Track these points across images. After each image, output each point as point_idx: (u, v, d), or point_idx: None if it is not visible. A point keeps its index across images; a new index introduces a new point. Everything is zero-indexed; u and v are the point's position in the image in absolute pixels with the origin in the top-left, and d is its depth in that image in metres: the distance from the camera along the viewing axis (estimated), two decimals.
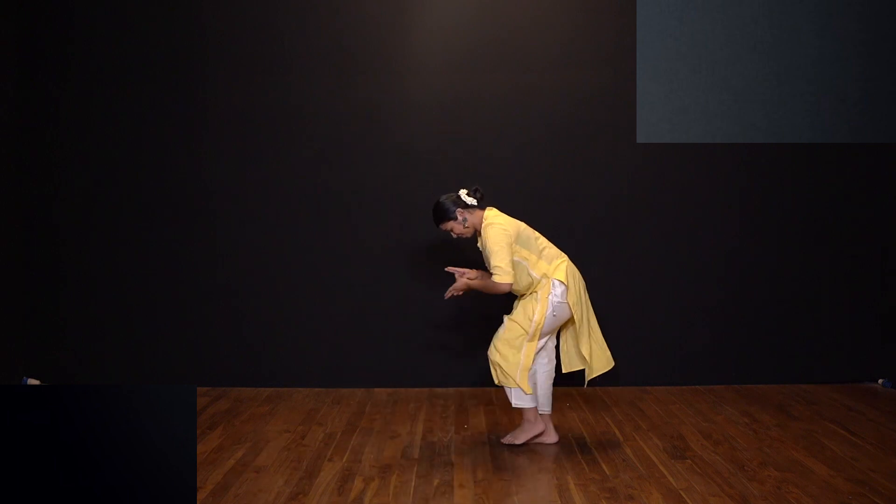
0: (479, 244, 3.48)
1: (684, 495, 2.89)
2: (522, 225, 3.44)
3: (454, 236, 3.50)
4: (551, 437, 3.53)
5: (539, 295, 3.36)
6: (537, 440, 3.52)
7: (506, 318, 3.46)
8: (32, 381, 4.53)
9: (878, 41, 4.51)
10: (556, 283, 3.38)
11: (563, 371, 3.59)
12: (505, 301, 3.56)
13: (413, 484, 3.04)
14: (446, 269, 3.48)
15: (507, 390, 3.45)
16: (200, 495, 2.90)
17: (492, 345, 3.44)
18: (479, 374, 4.61)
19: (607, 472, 3.14)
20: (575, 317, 3.39)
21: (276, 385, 4.59)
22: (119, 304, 4.60)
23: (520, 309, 3.43)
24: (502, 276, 3.29)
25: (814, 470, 3.16)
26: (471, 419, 3.94)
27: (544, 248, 3.45)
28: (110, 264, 4.59)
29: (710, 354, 4.64)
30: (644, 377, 4.61)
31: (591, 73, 4.55)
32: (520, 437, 3.49)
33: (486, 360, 4.60)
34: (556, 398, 4.33)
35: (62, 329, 4.61)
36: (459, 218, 3.42)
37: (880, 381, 4.61)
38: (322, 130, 4.58)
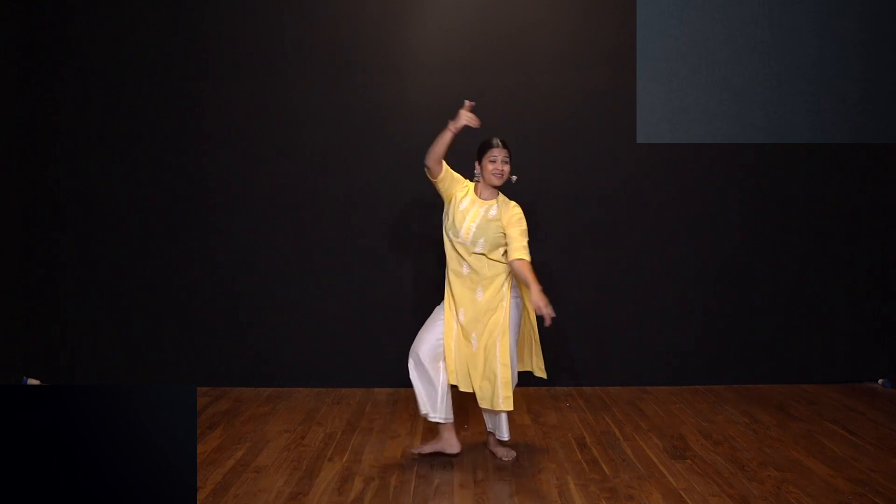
0: (485, 206, 3.29)
1: (684, 495, 2.89)
2: None
3: (503, 170, 3.28)
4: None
5: (506, 288, 3.31)
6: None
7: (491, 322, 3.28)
8: (32, 381, 4.53)
9: (878, 41, 4.51)
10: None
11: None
12: None
13: (413, 484, 3.04)
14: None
15: (504, 419, 3.31)
16: (200, 495, 2.90)
17: (503, 364, 3.21)
18: None
19: (607, 472, 3.15)
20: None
21: (276, 385, 4.60)
22: (119, 304, 4.60)
23: (498, 306, 3.28)
24: (527, 254, 3.22)
25: (814, 470, 3.16)
26: (471, 419, 3.94)
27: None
28: (110, 264, 4.59)
29: (710, 354, 4.64)
30: (644, 377, 4.61)
31: (591, 73, 4.56)
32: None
33: None
34: (555, 398, 4.36)
35: (62, 329, 4.61)
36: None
37: (880, 381, 4.61)
38: (322, 131, 4.58)
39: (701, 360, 4.63)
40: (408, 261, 4.62)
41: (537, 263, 4.60)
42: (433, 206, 4.59)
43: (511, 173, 3.32)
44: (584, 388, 4.59)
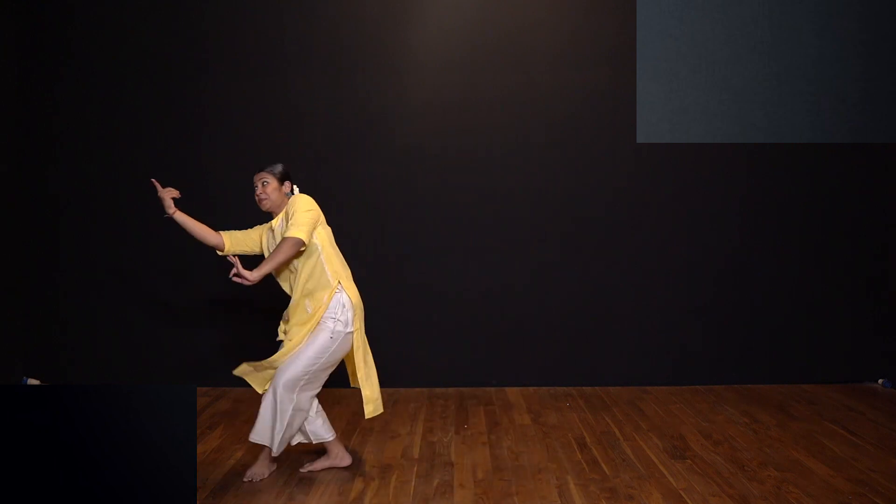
0: (272, 226, 3.15)
1: (684, 495, 2.89)
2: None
3: (261, 194, 3.11)
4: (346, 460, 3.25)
5: (320, 312, 3.03)
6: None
7: (287, 343, 3.09)
8: (32, 381, 4.53)
9: (878, 41, 4.51)
10: (346, 301, 3.05)
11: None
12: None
13: (413, 484, 3.04)
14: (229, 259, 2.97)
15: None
16: (200, 495, 2.90)
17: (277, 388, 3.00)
18: (479, 374, 4.62)
19: (607, 472, 3.15)
20: (355, 345, 3.11)
21: None
22: (119, 304, 4.60)
23: (306, 327, 3.05)
24: (297, 229, 2.90)
25: (814, 470, 3.16)
26: (471, 419, 3.94)
27: (338, 252, 3.19)
28: (110, 264, 4.59)
29: (710, 354, 4.64)
30: (644, 377, 4.61)
31: (591, 73, 4.56)
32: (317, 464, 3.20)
33: (486, 358, 4.64)
34: (555, 398, 4.36)
35: (62, 329, 4.61)
36: (285, 188, 3.13)
37: (880, 381, 4.61)
38: (321, 130, 4.58)
39: (701, 360, 4.63)
40: (406, 260, 4.62)
41: (537, 263, 4.64)
42: (432, 205, 4.61)
43: (282, 189, 3.13)
44: (584, 388, 4.59)
